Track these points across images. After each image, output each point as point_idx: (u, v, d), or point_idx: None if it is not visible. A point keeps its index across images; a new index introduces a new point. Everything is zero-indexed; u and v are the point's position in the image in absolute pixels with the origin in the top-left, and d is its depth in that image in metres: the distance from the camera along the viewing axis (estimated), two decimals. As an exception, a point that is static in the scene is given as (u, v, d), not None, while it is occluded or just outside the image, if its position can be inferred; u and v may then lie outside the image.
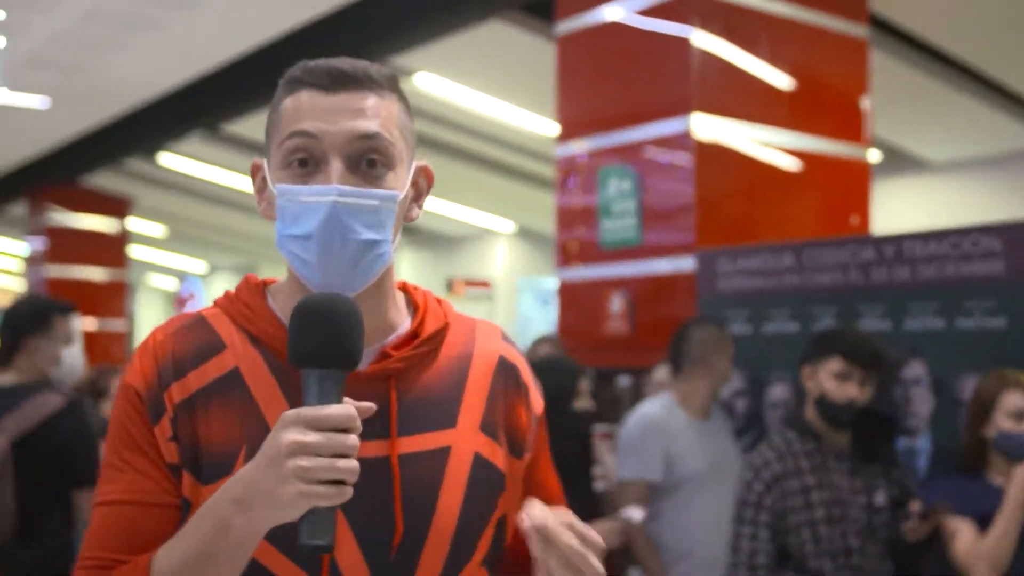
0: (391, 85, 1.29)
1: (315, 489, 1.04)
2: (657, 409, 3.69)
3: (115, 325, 13.17)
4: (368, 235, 1.22)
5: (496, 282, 14.16)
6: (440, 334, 1.34)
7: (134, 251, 15.93)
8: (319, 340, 1.09)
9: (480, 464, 1.30)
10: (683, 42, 4.67)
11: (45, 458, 3.36)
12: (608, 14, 5.02)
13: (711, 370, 3.69)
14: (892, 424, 3.19)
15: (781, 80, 4.94)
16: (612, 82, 5.02)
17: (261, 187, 1.31)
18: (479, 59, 6.91)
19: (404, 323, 1.34)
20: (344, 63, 1.25)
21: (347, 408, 1.06)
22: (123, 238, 13.41)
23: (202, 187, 12.20)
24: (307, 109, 1.23)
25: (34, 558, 3.43)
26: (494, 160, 9.15)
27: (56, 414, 3.40)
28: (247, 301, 1.32)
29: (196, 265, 19.61)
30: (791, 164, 4.95)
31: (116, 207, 13.13)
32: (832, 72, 5.11)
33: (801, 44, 5.00)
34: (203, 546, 1.13)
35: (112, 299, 13.16)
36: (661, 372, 4.08)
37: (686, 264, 4.54)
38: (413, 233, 14.78)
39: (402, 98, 1.31)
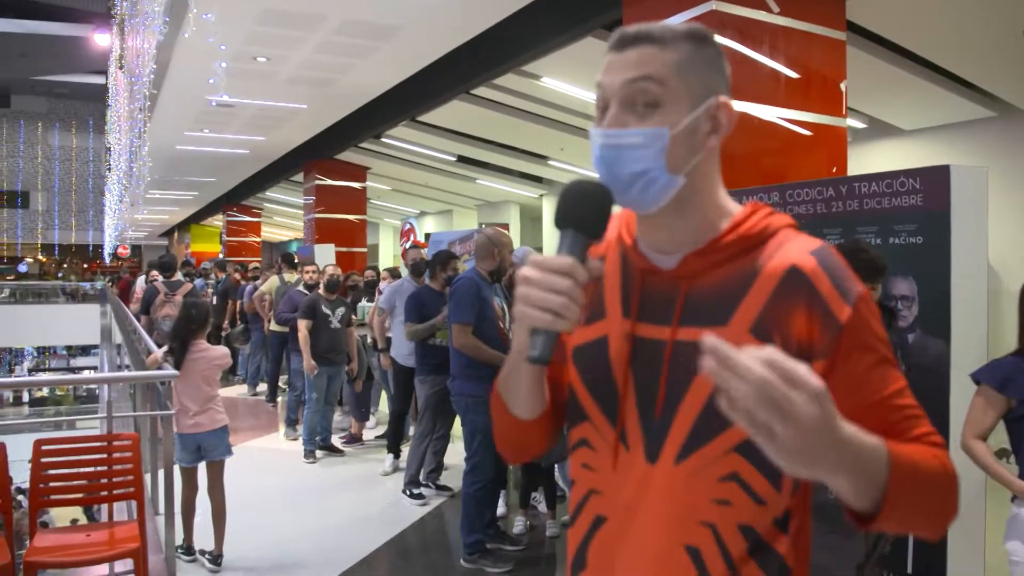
0: (677, 37, 1.02)
1: (528, 311, 0.93)
2: None
3: (360, 249, 13.74)
4: (634, 167, 1.00)
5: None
6: (734, 246, 1.05)
7: (372, 202, 16.29)
8: (569, 212, 0.99)
9: None
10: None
11: None
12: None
13: None
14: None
15: (784, 71, 4.77)
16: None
17: None
18: (581, 65, 6.88)
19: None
20: (635, 27, 1.04)
21: (566, 259, 0.94)
22: (363, 193, 13.61)
23: (411, 157, 12.50)
24: (605, 67, 1.06)
25: None
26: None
27: None
28: (628, 213, 1.16)
29: (412, 210, 20.13)
30: (792, 131, 4.80)
31: (358, 173, 13.27)
32: (819, 65, 4.89)
33: (797, 45, 4.80)
34: (511, 359, 1.08)
35: (358, 233, 13.60)
36: None
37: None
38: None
39: (697, 45, 1.03)
